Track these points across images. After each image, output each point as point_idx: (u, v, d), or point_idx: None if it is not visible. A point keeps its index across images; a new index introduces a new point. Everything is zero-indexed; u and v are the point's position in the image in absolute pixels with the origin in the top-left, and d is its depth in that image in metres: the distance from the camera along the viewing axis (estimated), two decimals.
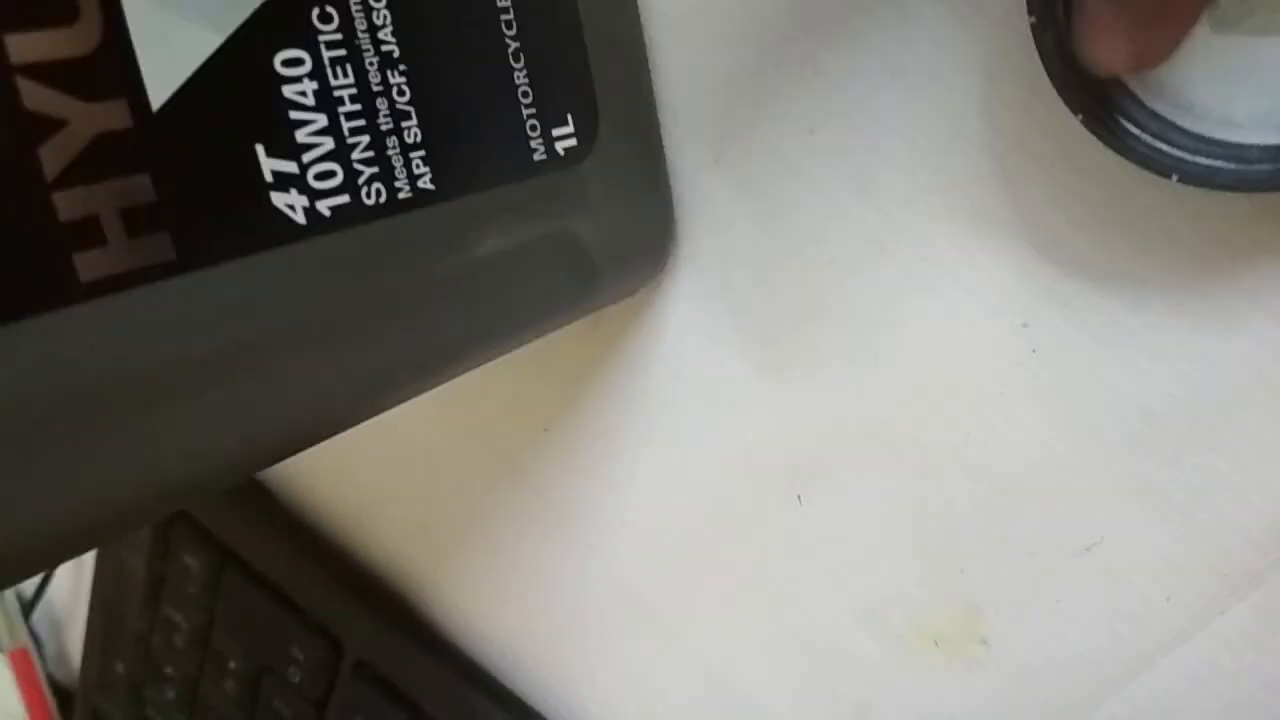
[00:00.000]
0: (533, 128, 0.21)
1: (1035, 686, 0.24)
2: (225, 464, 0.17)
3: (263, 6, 0.16)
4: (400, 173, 0.18)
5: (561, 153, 0.22)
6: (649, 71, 0.24)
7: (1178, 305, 0.20)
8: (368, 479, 0.35)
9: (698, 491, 0.27)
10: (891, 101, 0.22)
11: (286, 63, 0.17)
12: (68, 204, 0.14)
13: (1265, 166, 0.18)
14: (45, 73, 0.14)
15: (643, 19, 0.24)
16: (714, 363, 0.26)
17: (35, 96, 0.14)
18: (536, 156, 0.21)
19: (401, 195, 0.18)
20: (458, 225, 0.19)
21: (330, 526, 0.36)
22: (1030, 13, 0.19)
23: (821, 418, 0.25)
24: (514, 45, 0.20)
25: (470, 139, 0.20)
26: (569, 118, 0.22)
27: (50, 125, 0.14)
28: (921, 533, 0.24)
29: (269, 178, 0.16)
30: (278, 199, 0.16)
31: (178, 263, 0.15)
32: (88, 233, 0.14)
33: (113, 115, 0.15)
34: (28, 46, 0.14)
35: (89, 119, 0.14)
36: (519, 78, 0.21)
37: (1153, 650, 0.23)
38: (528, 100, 0.21)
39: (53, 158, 0.14)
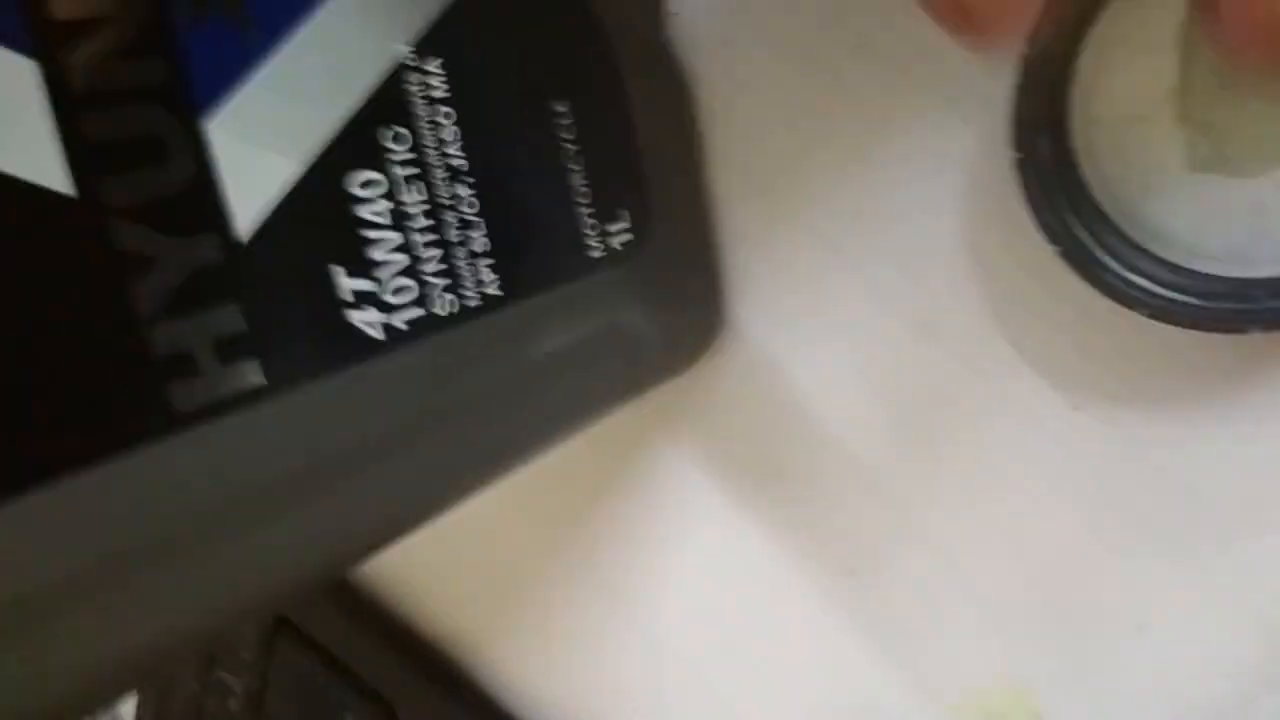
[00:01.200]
0: (590, 226, 0.22)
1: None
2: (312, 573, 0.17)
3: (339, 133, 0.17)
4: (469, 281, 0.19)
5: (618, 247, 0.22)
6: (700, 159, 0.25)
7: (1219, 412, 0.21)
8: (419, 545, 0.35)
9: (752, 562, 0.28)
10: (935, 185, 0.23)
11: (362, 184, 0.17)
12: (163, 339, 0.15)
13: (1228, 305, 0.19)
14: (138, 214, 0.15)
15: (693, 110, 0.25)
16: (764, 440, 0.26)
17: (129, 237, 0.14)
18: (594, 254, 0.22)
19: (471, 304, 0.19)
20: (523, 328, 0.20)
21: (383, 592, 0.37)
22: (1015, 148, 0.20)
23: (875, 496, 0.25)
24: (571, 148, 0.21)
25: (533, 243, 0.20)
26: (624, 213, 0.22)
27: (144, 264, 0.15)
28: (975, 609, 0.25)
29: (348, 298, 0.17)
30: (356, 318, 0.17)
31: (267, 387, 0.16)
32: (182, 365, 0.15)
33: (203, 250, 0.15)
34: (121, 190, 0.14)
35: (181, 255, 0.15)
36: (576, 179, 0.21)
37: None
38: (585, 200, 0.21)
39: (147, 295, 0.15)
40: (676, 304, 0.24)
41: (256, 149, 0.16)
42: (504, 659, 0.34)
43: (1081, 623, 0.24)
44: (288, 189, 0.16)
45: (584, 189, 0.21)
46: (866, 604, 0.26)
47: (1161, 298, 0.20)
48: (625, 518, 0.29)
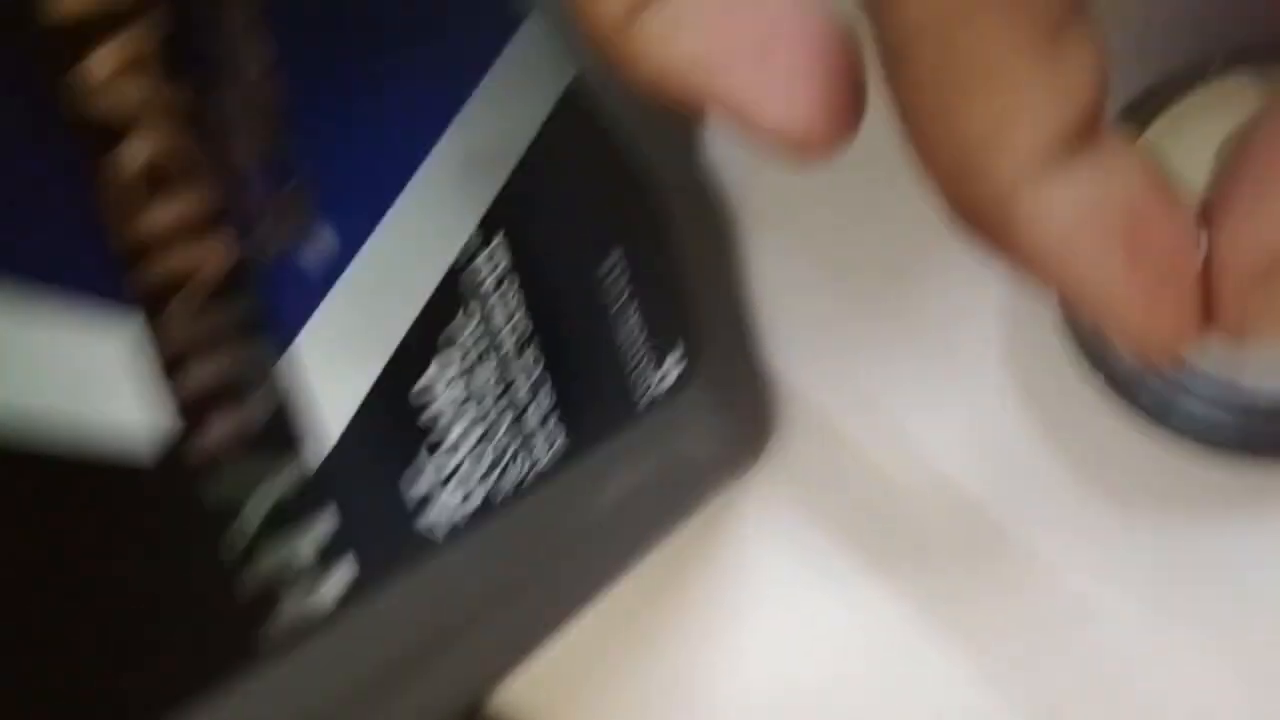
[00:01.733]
0: (648, 364, 0.22)
1: None
2: None
3: (412, 327, 0.18)
4: (539, 442, 0.20)
5: (673, 381, 0.23)
6: (742, 280, 0.26)
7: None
8: None
9: (811, 651, 0.29)
10: (974, 298, 0.24)
11: (435, 375, 0.18)
12: (250, 581, 0.15)
13: (1274, 428, 0.19)
14: (224, 458, 0.15)
15: (738, 256, 0.25)
16: (813, 544, 0.27)
17: (214, 490, 0.15)
18: (651, 393, 0.22)
19: (540, 466, 0.20)
20: (588, 481, 0.21)
21: None
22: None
23: (911, 607, 0.26)
24: (626, 293, 0.22)
25: (595, 393, 0.21)
26: (678, 347, 0.23)
27: (230, 512, 0.15)
28: (1025, 693, 0.25)
29: (418, 498, 0.17)
30: (421, 523, 0.18)
31: (341, 603, 0.16)
32: (265, 600, 0.15)
33: (281, 482, 0.16)
34: (210, 438, 0.15)
35: (264, 491, 0.15)
36: (633, 322, 0.22)
37: None
38: (641, 341, 0.22)
39: (234, 541, 0.15)
40: (731, 420, 0.25)
41: (338, 364, 0.16)
42: None
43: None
44: (365, 397, 0.17)
45: (640, 331, 0.22)
46: (927, 695, 0.27)
47: (1204, 421, 0.20)
48: (685, 610, 0.30)
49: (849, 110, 0.13)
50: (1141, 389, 0.21)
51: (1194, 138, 0.20)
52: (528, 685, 0.34)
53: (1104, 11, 0.20)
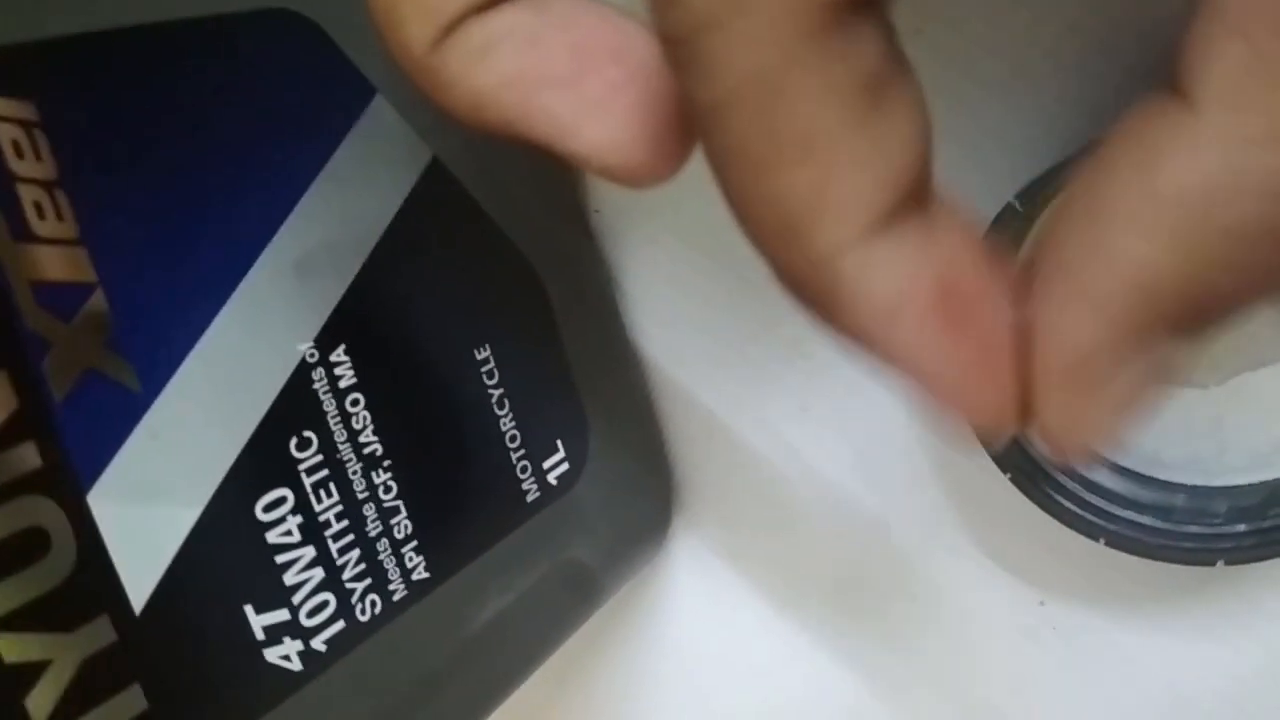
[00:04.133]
0: (523, 469, 0.21)
1: None
2: None
3: (240, 458, 0.16)
4: (394, 574, 0.18)
5: (554, 482, 0.21)
6: (636, 365, 0.24)
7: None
8: None
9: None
10: (875, 384, 0.22)
11: (268, 507, 0.16)
12: None
13: (1193, 529, 0.18)
14: (22, 619, 0.13)
15: (624, 311, 0.24)
16: (721, 625, 0.25)
17: (16, 648, 0.13)
18: (530, 497, 0.21)
19: (397, 597, 0.18)
20: (459, 601, 0.19)
21: None
22: None
23: (841, 684, 0.24)
24: (497, 393, 0.20)
25: (462, 507, 0.19)
26: (559, 444, 0.21)
27: (33, 671, 0.13)
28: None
29: (260, 636, 0.16)
30: (272, 654, 0.16)
31: None
32: None
33: (96, 636, 0.14)
34: (4, 598, 0.13)
35: (72, 649, 0.14)
36: (505, 424, 0.20)
37: None
38: (515, 444, 0.20)
39: (40, 704, 0.13)
40: (623, 518, 0.23)
41: (150, 507, 0.15)
42: None
43: None
44: (186, 539, 0.15)
45: (514, 432, 0.20)
46: None
47: (1120, 520, 0.19)
48: (594, 706, 0.28)
49: (674, 132, 0.12)
50: (1055, 489, 0.19)
51: None
52: None
53: (1014, 90, 0.19)
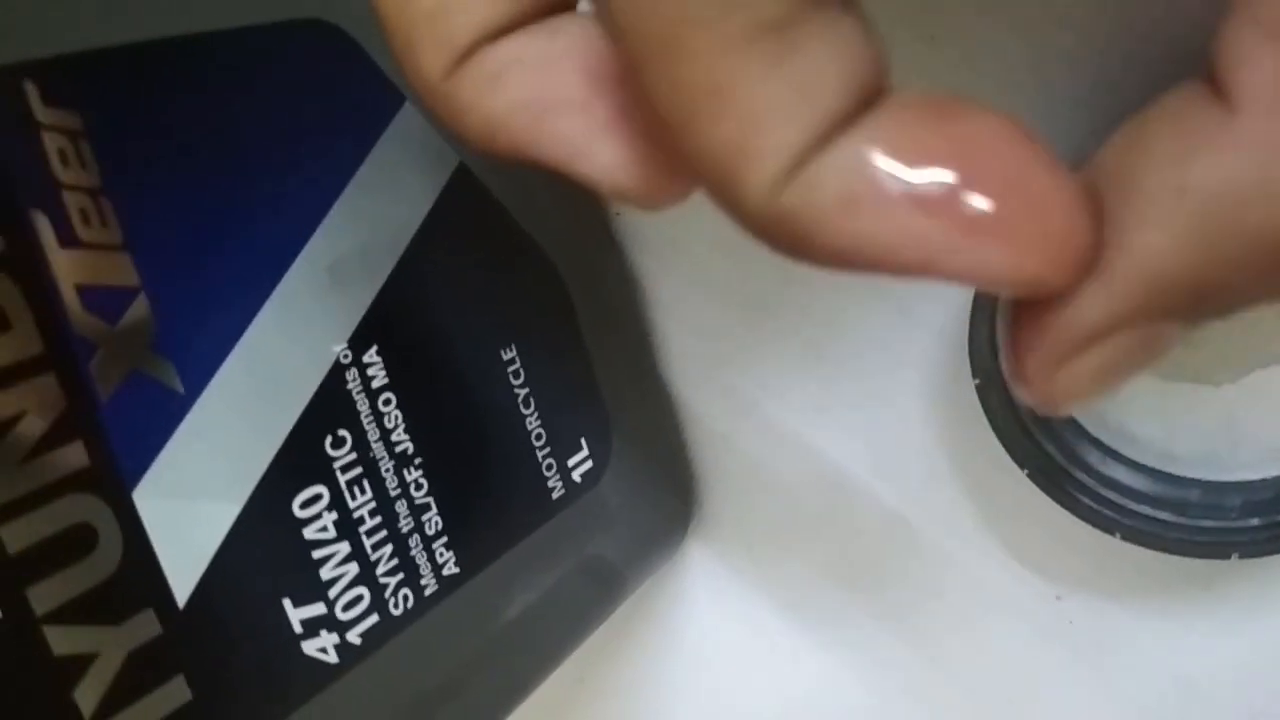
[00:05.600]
0: (549, 467, 0.21)
1: None
2: None
3: (278, 456, 0.16)
4: (426, 569, 0.18)
5: (578, 480, 0.22)
6: (656, 367, 0.24)
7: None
8: None
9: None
10: (891, 384, 0.22)
11: (304, 504, 0.17)
12: None
13: (1208, 523, 0.19)
14: (72, 611, 0.14)
15: (646, 313, 0.24)
16: (741, 624, 0.26)
17: (64, 641, 0.14)
18: (555, 494, 0.21)
19: (428, 591, 0.18)
20: (488, 597, 0.19)
21: None
22: (975, 375, 0.19)
23: (858, 681, 0.25)
24: (523, 392, 0.21)
25: (490, 504, 0.20)
26: (583, 442, 0.22)
27: (81, 663, 0.14)
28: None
29: (298, 629, 0.16)
30: (309, 647, 0.16)
31: None
32: None
33: (141, 629, 0.15)
34: (49, 593, 0.14)
35: (118, 642, 0.14)
36: (531, 423, 0.21)
37: None
38: (541, 442, 0.21)
39: (88, 696, 0.14)
40: (644, 515, 0.23)
41: (192, 504, 0.15)
42: None
43: None
44: (227, 535, 0.16)
45: (539, 431, 0.21)
46: None
47: (1135, 515, 0.19)
48: (610, 699, 0.29)
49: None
50: (1071, 484, 0.20)
51: None
52: None
53: (1025, 90, 0.19)
